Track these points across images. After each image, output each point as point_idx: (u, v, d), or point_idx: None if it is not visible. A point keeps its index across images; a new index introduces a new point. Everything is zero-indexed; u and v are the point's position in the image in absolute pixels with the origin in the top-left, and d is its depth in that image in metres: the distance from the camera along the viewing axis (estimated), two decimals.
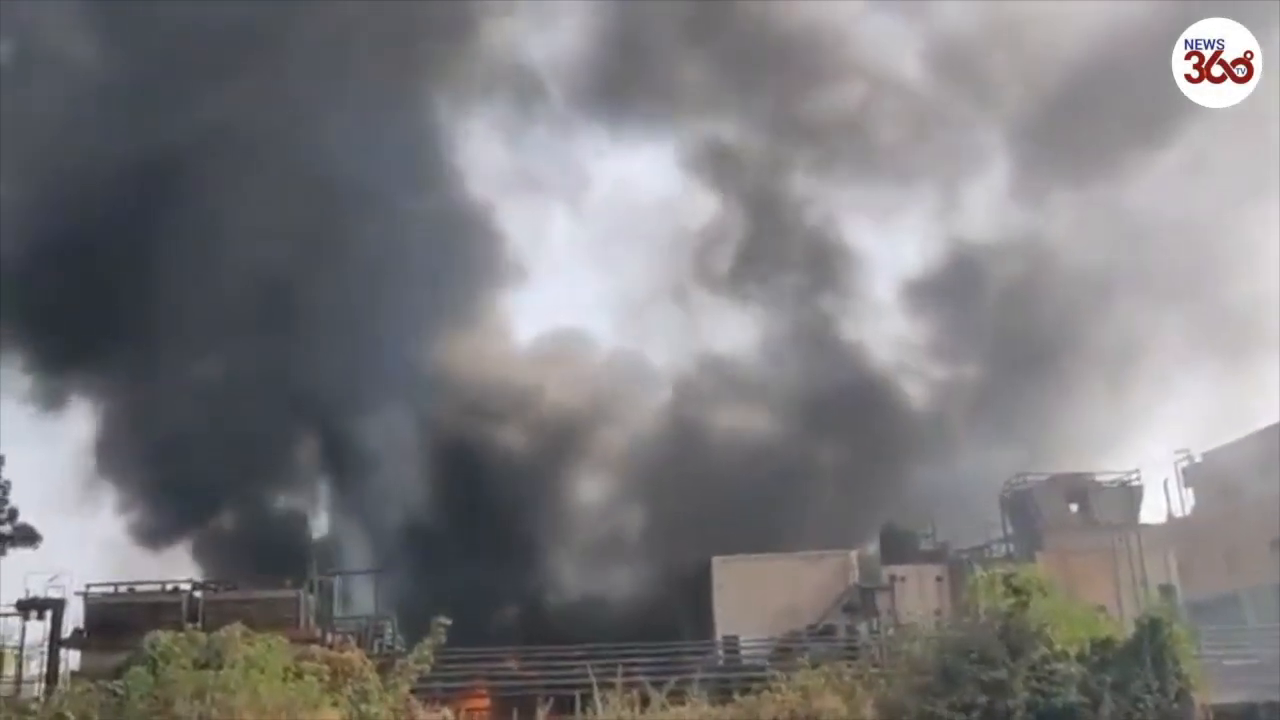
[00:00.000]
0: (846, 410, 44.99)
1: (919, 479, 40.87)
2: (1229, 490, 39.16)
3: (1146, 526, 36.03)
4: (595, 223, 69.03)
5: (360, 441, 41.28)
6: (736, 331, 51.68)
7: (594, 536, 43.52)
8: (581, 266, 79.46)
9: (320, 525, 42.94)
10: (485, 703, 28.22)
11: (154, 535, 41.22)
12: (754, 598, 32.72)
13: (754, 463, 41.82)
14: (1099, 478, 36.18)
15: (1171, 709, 17.84)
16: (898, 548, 35.51)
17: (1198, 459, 41.17)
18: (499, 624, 34.78)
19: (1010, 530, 35.71)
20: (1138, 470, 36.58)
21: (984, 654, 18.05)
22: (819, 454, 44.20)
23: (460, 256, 46.72)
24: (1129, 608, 27.70)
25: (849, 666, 22.61)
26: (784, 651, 28.13)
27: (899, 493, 40.01)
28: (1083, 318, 47.60)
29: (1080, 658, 18.08)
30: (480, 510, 40.20)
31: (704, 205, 52.20)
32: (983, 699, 17.45)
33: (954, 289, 49.39)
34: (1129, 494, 35.73)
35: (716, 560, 34.08)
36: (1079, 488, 36.28)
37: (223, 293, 39.78)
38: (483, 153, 52.64)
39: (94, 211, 38.40)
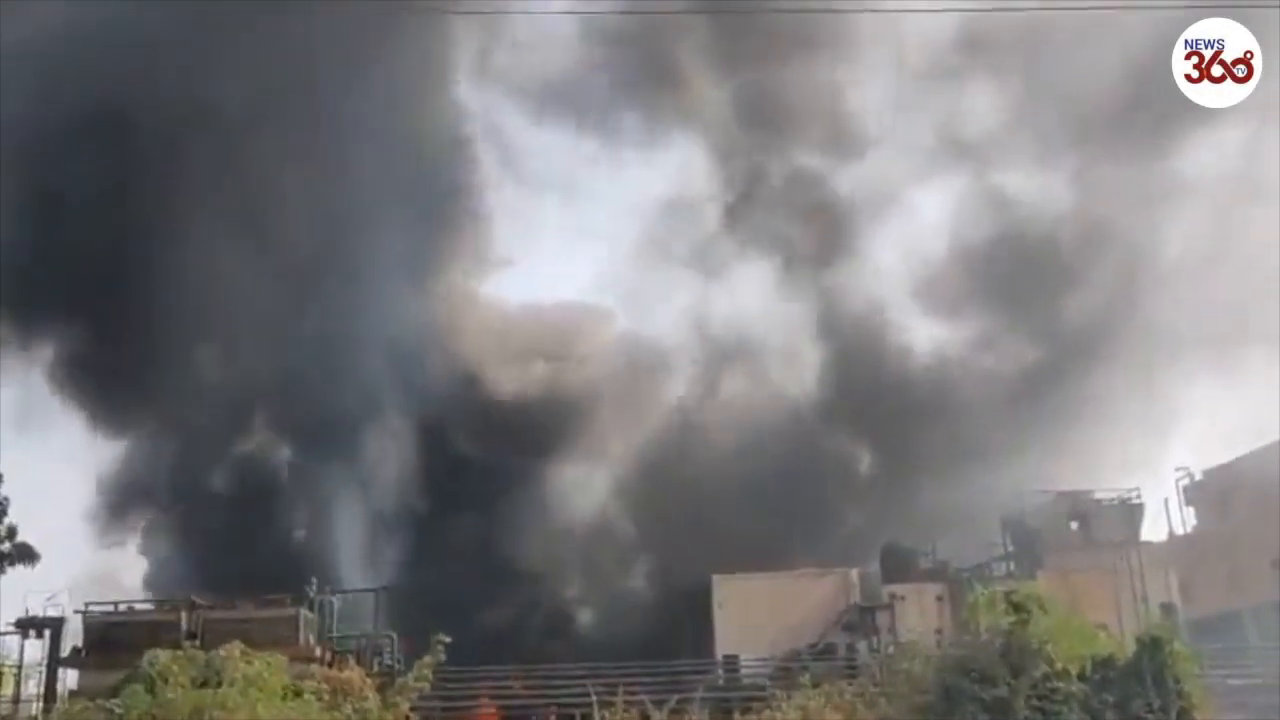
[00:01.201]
0: (856, 408, 43.67)
1: (923, 493, 40.02)
2: (1230, 508, 39.14)
3: (1147, 544, 36.08)
4: (600, 204, 70.55)
5: (347, 423, 40.92)
6: (748, 320, 50.60)
7: (591, 538, 42.90)
8: (580, 248, 79.23)
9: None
10: None
11: (132, 501, 41.50)
12: (754, 616, 32.69)
13: (758, 466, 41.08)
14: (1099, 496, 36.26)
15: None
16: (898, 566, 35.50)
17: (1199, 476, 41.17)
18: (494, 633, 34.33)
19: (1011, 548, 35.71)
20: (1138, 488, 36.71)
21: (985, 672, 18.00)
22: (826, 458, 42.99)
23: (451, 236, 46.87)
24: (1130, 626, 27.63)
25: (849, 685, 22.56)
26: (784, 670, 28.06)
27: (903, 506, 39.36)
28: (1118, 310, 44.64)
29: (1081, 676, 18.01)
30: (469, 504, 40.05)
31: (717, 185, 51.21)
32: (984, 717, 17.37)
33: (985, 274, 46.92)
34: (1130, 512, 35.86)
35: (716, 578, 34.07)
36: (1080, 506, 36.39)
37: (212, 259, 39.30)
38: (481, 137, 51.63)
39: (80, 169, 38.13)
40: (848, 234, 49.27)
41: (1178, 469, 41.04)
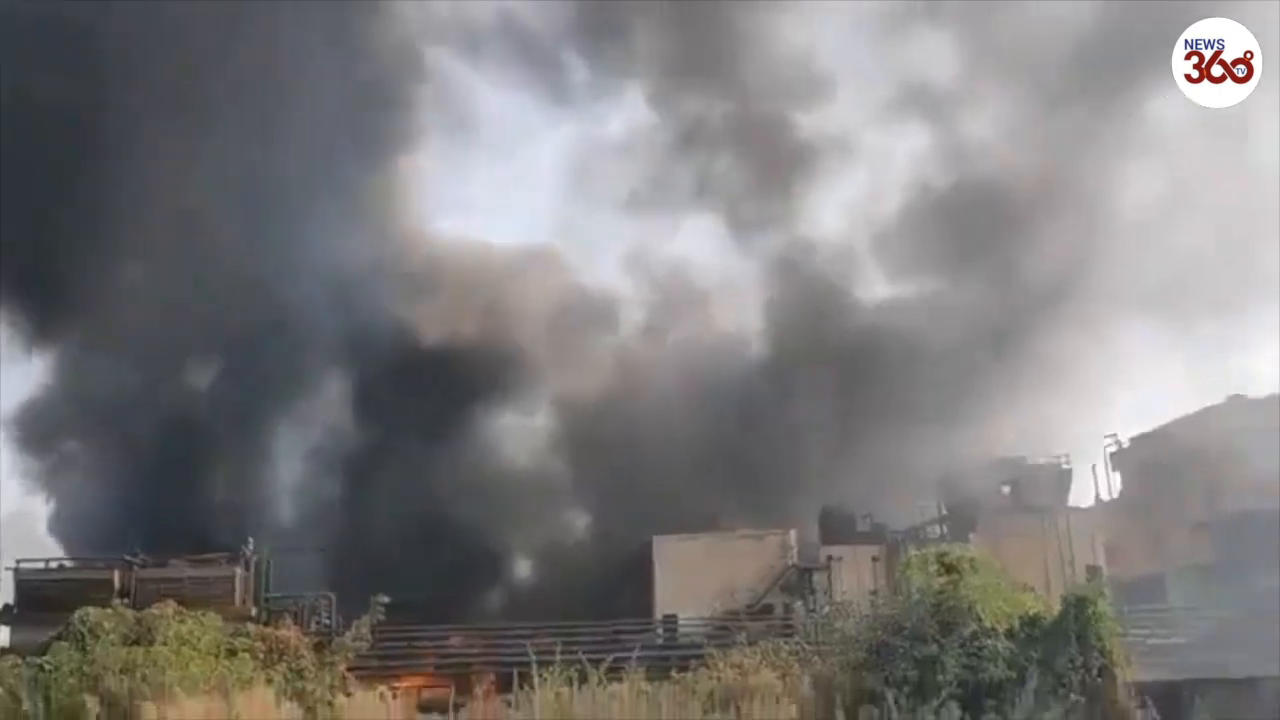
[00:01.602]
0: (803, 366, 41.95)
1: (864, 455, 39.30)
2: (1154, 474, 40.08)
3: (1076, 509, 36.96)
4: (544, 148, 70.29)
5: (283, 362, 39.99)
6: (695, 270, 48.63)
7: (530, 492, 41.72)
8: (522, 192, 77.36)
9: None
10: (426, 680, 28.24)
11: (56, 442, 40.54)
12: (693, 576, 33.04)
13: (703, 424, 40.30)
14: (1032, 461, 37.03)
15: (1095, 684, 18.30)
16: (836, 528, 36.08)
17: (1125, 443, 42.08)
18: (433, 590, 34.00)
19: (945, 512, 36.38)
20: (1067, 454, 37.48)
21: (916, 631, 18.37)
22: (770, 417, 41.08)
23: (393, 175, 45.76)
24: (1057, 587, 28.34)
25: (785, 644, 22.94)
26: (722, 630, 28.43)
27: (844, 468, 38.77)
28: (1072, 268, 42.39)
29: (1009, 634, 18.46)
30: (406, 452, 39.34)
31: (664, 131, 48.89)
32: (914, 674, 17.76)
33: (939, 229, 44.43)
34: (1059, 477, 36.73)
35: (657, 539, 34.35)
36: (1013, 471, 37.17)
37: (151, 185, 38.29)
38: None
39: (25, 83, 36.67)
40: (799, 185, 47.67)
41: (1106, 436, 41.87)
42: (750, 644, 22.72)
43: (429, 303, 44.38)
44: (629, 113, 52.64)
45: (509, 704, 14.62)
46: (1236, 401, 39.01)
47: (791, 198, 47.51)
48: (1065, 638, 18.40)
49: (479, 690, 23.04)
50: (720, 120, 48.29)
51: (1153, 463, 40.17)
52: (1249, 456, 35.11)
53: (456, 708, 15.01)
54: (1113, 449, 41.87)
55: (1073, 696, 17.96)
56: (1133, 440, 41.83)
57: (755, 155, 47.62)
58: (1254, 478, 35.77)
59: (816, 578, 33.40)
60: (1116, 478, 42.10)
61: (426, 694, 26.63)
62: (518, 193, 75.11)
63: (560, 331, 46.09)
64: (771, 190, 47.48)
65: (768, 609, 32.48)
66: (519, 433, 44.95)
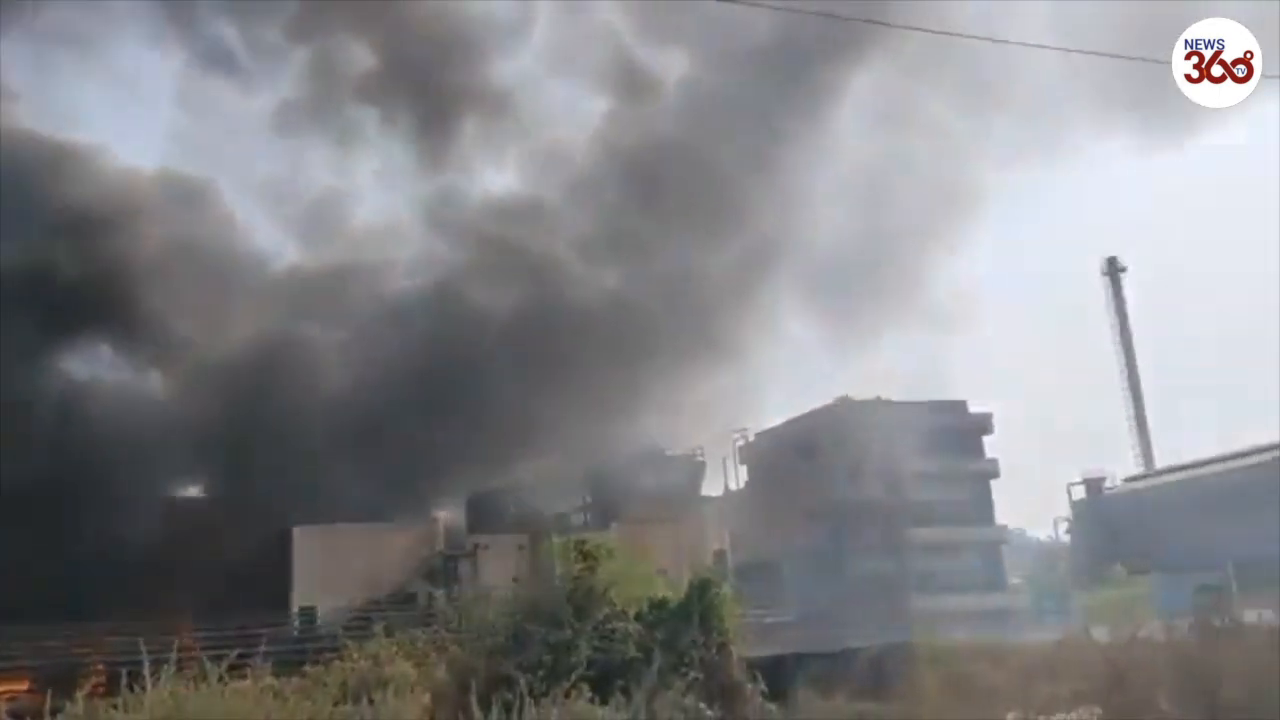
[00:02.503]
0: (471, 330, 39.86)
1: (523, 441, 38.53)
2: (773, 467, 43.77)
3: (709, 498, 39.62)
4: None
5: None
6: (350, 217, 46.64)
7: (144, 463, 36.13)
8: (157, 115, 74.02)
9: None
10: (21, 685, 25.51)
11: None
12: (335, 567, 32.14)
13: (352, 398, 38.38)
14: (670, 453, 39.26)
15: (713, 661, 19.55)
16: (484, 516, 36.40)
17: (751, 438, 45.65)
18: (40, 585, 29.94)
19: (589, 500, 37.72)
20: (701, 446, 40.13)
21: (552, 616, 18.79)
22: (429, 388, 38.25)
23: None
24: (689, 572, 30.11)
25: (424, 633, 22.79)
26: (362, 620, 27.80)
27: (502, 453, 38.11)
28: (759, 249, 42.76)
29: (638, 617, 19.32)
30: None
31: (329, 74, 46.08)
32: (548, 658, 18.14)
33: (628, 199, 43.73)
34: (694, 469, 39.23)
35: (297, 530, 33.04)
36: (654, 462, 39.24)
37: None
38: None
39: None
40: (470, 137, 46.37)
41: (734, 430, 45.25)
42: (389, 634, 22.36)
43: (20, 222, 36.77)
44: (271, 46, 47.94)
45: (116, 707, 13.36)
46: (844, 402, 43.47)
47: (461, 151, 46.16)
48: (689, 619, 19.54)
49: (80, 694, 20.93)
50: (382, 64, 45.64)
51: (771, 456, 43.86)
52: (853, 452, 39.27)
53: (53, 713, 13.47)
54: (741, 443, 45.42)
55: (692, 673, 19.12)
56: (757, 435, 45.52)
57: (420, 103, 45.55)
58: (856, 472, 40.05)
59: (462, 565, 33.50)
60: (744, 470, 45.82)
61: (21, 699, 23.98)
62: (141, 118, 68.92)
63: (185, 272, 40.69)
64: (439, 140, 45.68)
65: (411, 598, 32.16)
66: (129, 391, 39.71)
